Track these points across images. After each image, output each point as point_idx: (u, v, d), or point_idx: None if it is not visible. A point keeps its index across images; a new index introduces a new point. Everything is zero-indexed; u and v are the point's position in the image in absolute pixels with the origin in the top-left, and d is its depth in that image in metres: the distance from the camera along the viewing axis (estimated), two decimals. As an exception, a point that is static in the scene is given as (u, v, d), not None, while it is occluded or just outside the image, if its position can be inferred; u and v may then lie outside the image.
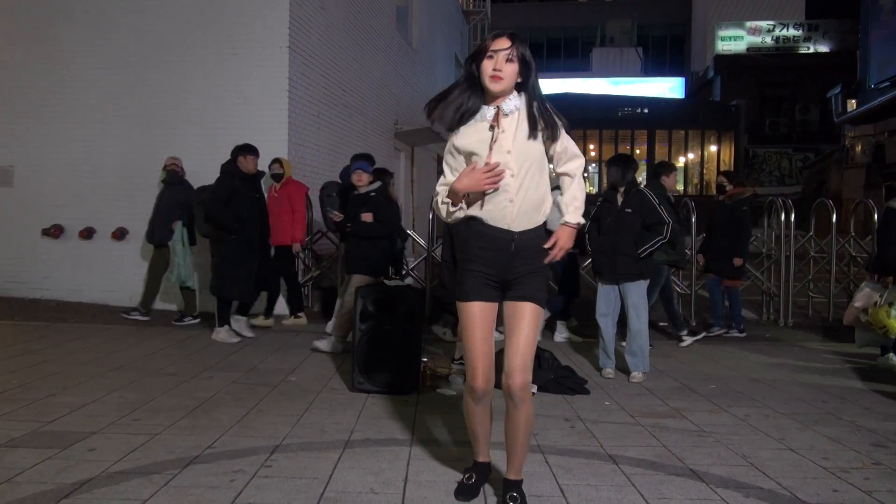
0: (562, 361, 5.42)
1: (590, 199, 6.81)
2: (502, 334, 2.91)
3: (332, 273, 8.63)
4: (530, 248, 2.79)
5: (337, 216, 6.34)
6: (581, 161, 2.90)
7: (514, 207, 2.74)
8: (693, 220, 8.38)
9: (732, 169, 27.83)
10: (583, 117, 27.05)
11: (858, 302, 5.99)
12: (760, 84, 29.49)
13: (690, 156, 28.53)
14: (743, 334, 7.42)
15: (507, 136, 2.73)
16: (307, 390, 4.92)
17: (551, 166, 2.90)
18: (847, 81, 22.81)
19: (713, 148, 28.28)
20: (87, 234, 8.55)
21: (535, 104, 2.78)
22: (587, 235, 5.69)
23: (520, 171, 2.72)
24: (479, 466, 3.06)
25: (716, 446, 3.85)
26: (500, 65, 2.69)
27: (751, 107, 28.21)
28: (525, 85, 2.79)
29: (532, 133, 2.75)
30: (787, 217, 8.36)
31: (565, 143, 2.86)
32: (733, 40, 30.81)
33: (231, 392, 4.83)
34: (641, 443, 3.90)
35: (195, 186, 7.58)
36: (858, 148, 21.66)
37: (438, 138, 13.82)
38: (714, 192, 8.69)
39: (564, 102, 27.68)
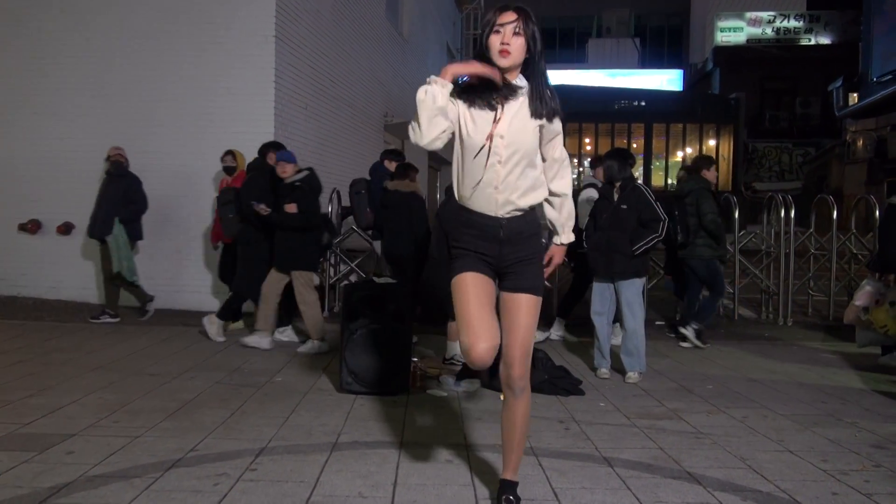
0: (556, 362, 5.44)
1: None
2: None
3: (321, 271, 8.61)
4: (521, 234, 2.78)
5: (264, 210, 6.26)
6: (570, 179, 2.95)
7: (500, 195, 2.73)
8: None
9: (732, 164, 27.96)
10: (579, 110, 27.09)
11: (859, 300, 6.03)
12: (760, 77, 29.60)
13: (688, 150, 28.61)
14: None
15: (504, 121, 2.70)
16: (293, 391, 4.91)
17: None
18: (849, 74, 22.92)
19: (712, 142, 28.37)
20: (66, 229, 8.50)
21: (537, 89, 2.75)
22: (584, 232, 5.71)
23: (509, 158, 2.70)
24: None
25: (713, 448, 3.87)
26: (508, 38, 2.67)
27: (750, 100, 28.32)
28: (528, 65, 2.76)
29: (529, 122, 2.73)
30: (787, 213, 8.39)
31: (558, 143, 2.86)
32: (733, 31, 30.89)
33: (214, 393, 4.82)
34: (637, 445, 3.91)
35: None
36: (860, 143, 21.77)
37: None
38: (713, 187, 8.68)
39: (560, 95, 27.55)
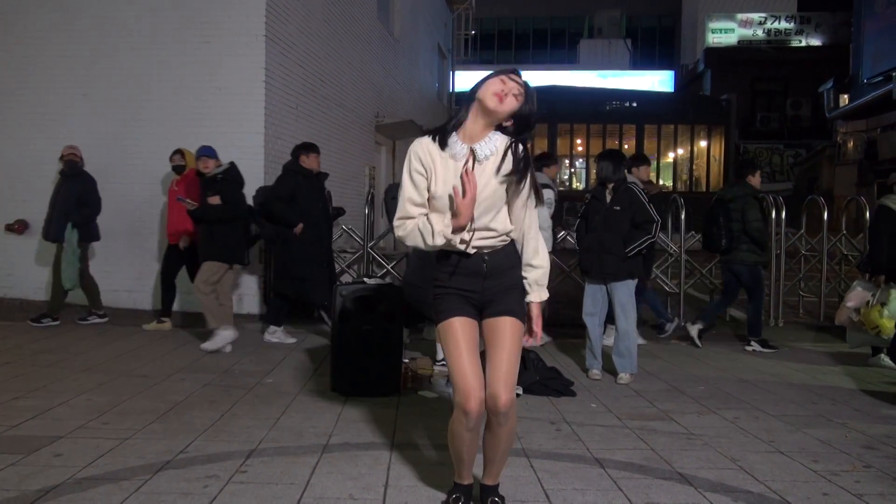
0: (547, 362, 5.45)
1: (577, 195, 6.84)
2: None
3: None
4: (501, 267, 2.79)
5: (190, 204, 6.31)
6: (546, 250, 2.91)
7: (473, 239, 2.73)
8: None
9: (723, 165, 28.06)
10: (570, 111, 27.18)
11: (850, 301, 6.07)
12: (752, 78, 29.73)
13: (680, 151, 28.72)
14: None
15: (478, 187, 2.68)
16: (284, 393, 4.91)
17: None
18: (839, 76, 23.06)
19: (703, 143, 28.48)
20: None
21: (519, 158, 2.71)
22: (576, 234, 5.73)
23: (478, 218, 2.69)
24: (465, 489, 2.94)
25: (704, 449, 3.89)
26: (508, 88, 2.67)
27: (742, 101, 28.45)
28: (517, 133, 2.74)
29: (502, 182, 2.70)
30: (778, 214, 8.43)
31: (532, 216, 2.83)
32: (724, 33, 31.04)
33: (204, 395, 4.81)
34: (629, 446, 3.93)
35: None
36: (850, 144, 21.91)
37: (420, 132, 13.80)
38: (703, 188, 8.75)
39: (551, 95, 27.74)
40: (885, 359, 6.23)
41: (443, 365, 5.50)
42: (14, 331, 7.00)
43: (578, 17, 39.58)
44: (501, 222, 2.76)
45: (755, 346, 6.84)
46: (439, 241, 2.69)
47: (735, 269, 6.87)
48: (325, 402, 4.70)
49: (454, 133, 2.74)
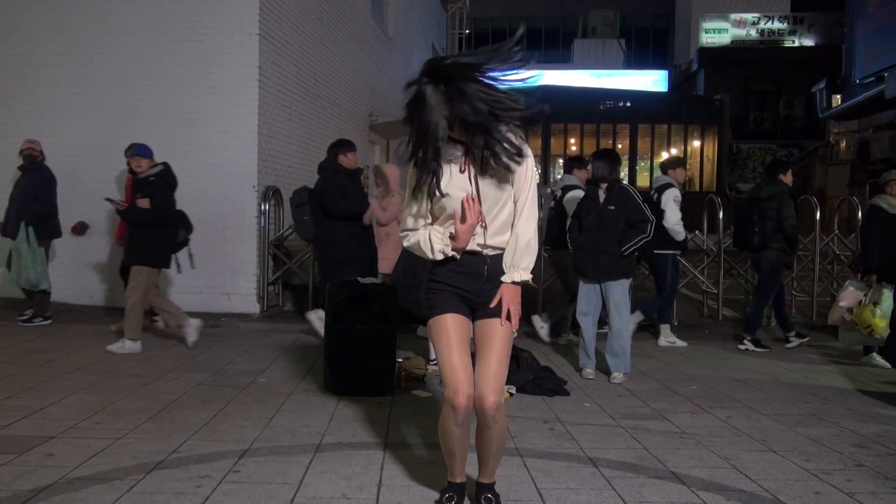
0: (541, 361, 5.46)
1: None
2: None
3: (304, 271, 8.60)
4: (501, 271, 2.79)
5: (121, 204, 6.18)
6: (535, 222, 2.83)
7: (484, 242, 2.74)
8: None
9: (716, 165, 28.12)
10: (563, 110, 27.12)
11: (843, 301, 6.09)
12: (745, 78, 29.79)
13: (673, 151, 28.74)
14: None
15: (478, 182, 2.68)
16: (277, 392, 4.90)
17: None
18: (832, 76, 23.12)
19: (696, 143, 28.50)
20: (81, 229, 8.39)
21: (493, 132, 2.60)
22: (568, 234, 5.73)
23: (489, 218, 2.70)
24: (457, 487, 2.95)
25: (697, 448, 3.90)
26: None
27: (735, 101, 28.49)
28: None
29: (496, 169, 2.67)
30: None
31: (527, 187, 2.77)
32: (717, 33, 31.09)
33: (197, 394, 4.80)
34: (622, 445, 3.93)
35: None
36: (843, 144, 21.97)
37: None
38: (697, 188, 8.77)
39: (544, 95, 27.63)
40: (878, 358, 6.26)
41: (436, 364, 5.50)
42: (4, 330, 6.97)
43: (572, 17, 39.59)
44: (507, 231, 2.77)
45: (748, 345, 6.86)
46: (439, 257, 2.73)
47: (758, 265, 6.93)
48: (319, 401, 4.69)
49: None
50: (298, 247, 9.01)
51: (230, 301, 8.14)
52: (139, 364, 5.66)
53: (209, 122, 8.15)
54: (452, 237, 2.71)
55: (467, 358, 2.76)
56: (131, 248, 6.16)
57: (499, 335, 2.77)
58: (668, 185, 6.82)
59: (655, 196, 6.85)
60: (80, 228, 8.29)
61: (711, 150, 28.29)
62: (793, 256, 7.11)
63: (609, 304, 5.44)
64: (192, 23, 8.24)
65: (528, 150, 2.74)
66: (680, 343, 6.96)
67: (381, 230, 7.37)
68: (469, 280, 2.78)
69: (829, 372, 6.03)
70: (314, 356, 5.96)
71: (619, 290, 5.42)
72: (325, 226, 6.55)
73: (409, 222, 2.81)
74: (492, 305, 2.76)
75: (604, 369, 5.60)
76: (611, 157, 5.57)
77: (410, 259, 5.33)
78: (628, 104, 28.89)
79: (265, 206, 8.27)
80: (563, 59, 38.56)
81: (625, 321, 5.44)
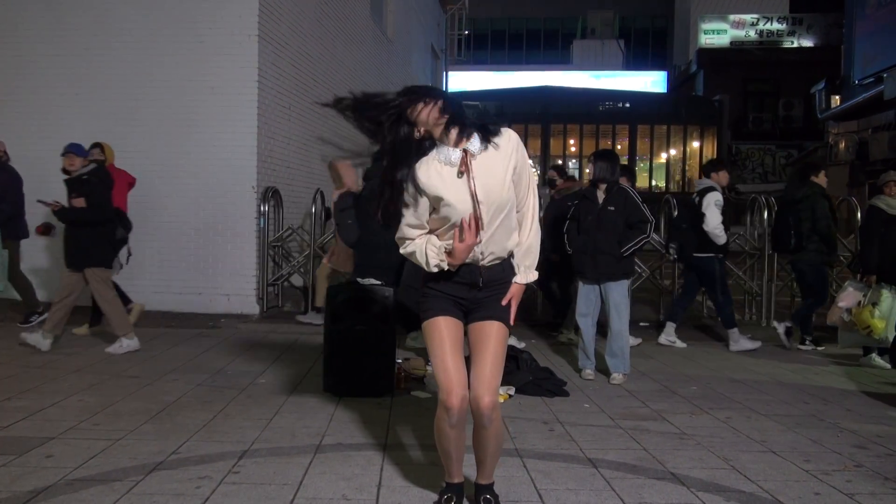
0: (540, 362, 5.46)
1: (571, 195, 6.82)
2: None
3: (305, 273, 8.60)
4: (498, 278, 2.81)
5: (55, 205, 6.10)
6: (538, 224, 2.90)
7: (483, 250, 2.73)
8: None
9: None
10: (563, 111, 27.20)
11: (842, 302, 6.09)
12: (744, 79, 29.80)
13: (672, 152, 28.77)
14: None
15: (478, 184, 2.67)
16: (277, 393, 4.90)
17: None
18: (831, 77, 23.12)
19: (696, 144, 28.54)
20: (45, 229, 8.36)
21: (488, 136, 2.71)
22: (566, 235, 5.69)
23: (491, 222, 2.70)
24: (455, 488, 2.95)
25: (697, 449, 3.90)
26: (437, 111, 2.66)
27: (734, 102, 28.53)
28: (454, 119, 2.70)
29: (502, 175, 2.69)
30: (770, 214, 8.46)
31: (531, 191, 2.83)
32: (716, 34, 31.11)
33: (196, 395, 4.80)
34: (621, 446, 3.94)
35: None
36: (842, 145, 21.99)
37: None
38: (692, 189, 8.78)
39: (544, 96, 27.79)
40: (877, 359, 6.27)
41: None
42: (3, 331, 6.96)
43: (572, 18, 39.59)
44: (510, 236, 2.78)
45: (808, 346, 6.96)
46: (434, 270, 2.74)
47: (800, 268, 6.96)
48: (318, 402, 4.69)
49: (439, 144, 2.73)
50: (296, 248, 9.02)
51: (230, 302, 8.14)
52: (138, 365, 5.65)
53: (208, 122, 8.15)
54: (448, 252, 2.71)
55: (460, 360, 2.78)
56: (75, 252, 6.01)
57: (493, 336, 2.78)
58: (711, 189, 6.77)
59: (697, 199, 6.82)
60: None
61: (710, 150, 28.30)
62: (834, 255, 7.14)
63: (609, 304, 5.44)
64: (191, 24, 8.24)
65: (522, 150, 2.78)
66: (680, 344, 6.96)
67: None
68: (464, 289, 2.79)
69: (829, 373, 6.03)
70: (314, 357, 5.96)
71: (619, 291, 5.42)
72: (368, 231, 6.54)
73: (406, 231, 2.80)
74: (503, 303, 2.81)
75: (603, 370, 5.60)
76: (612, 158, 5.57)
77: (412, 265, 5.33)
78: (627, 105, 28.93)
79: (264, 206, 8.26)
80: (562, 59, 38.59)
81: (624, 322, 5.44)
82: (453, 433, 2.79)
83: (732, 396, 5.11)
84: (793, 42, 30.76)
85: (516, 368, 5.07)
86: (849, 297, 6.07)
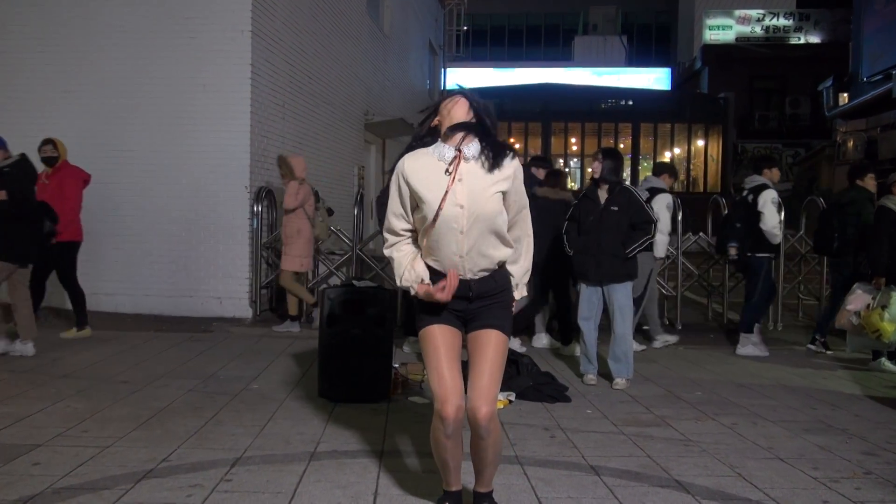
0: (541, 367, 5.45)
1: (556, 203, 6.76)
2: None
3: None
4: (490, 290, 2.82)
5: None
6: (531, 256, 2.96)
7: (465, 263, 2.75)
8: None
9: (720, 165, 28.17)
10: (564, 109, 27.21)
11: (851, 304, 6.09)
12: (749, 76, 29.83)
13: (677, 150, 28.79)
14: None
15: (462, 188, 2.70)
16: (270, 399, 4.89)
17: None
18: (839, 74, 23.15)
19: (700, 142, 28.56)
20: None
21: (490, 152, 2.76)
22: (565, 236, 5.63)
23: (470, 229, 2.70)
24: (453, 496, 2.95)
25: (702, 456, 3.90)
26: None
27: (739, 99, 28.53)
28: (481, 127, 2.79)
29: (488, 185, 2.72)
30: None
31: (525, 217, 2.89)
32: (721, 30, 31.15)
33: (188, 401, 4.79)
34: (625, 453, 3.93)
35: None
36: (850, 144, 22.01)
37: (411, 130, 13.80)
38: (700, 188, 8.76)
39: (544, 93, 27.78)
40: (886, 363, 6.27)
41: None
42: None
43: (573, 14, 39.62)
44: (496, 249, 2.78)
45: (817, 347, 7.00)
46: (402, 286, 2.83)
47: (840, 270, 6.97)
48: (313, 408, 4.68)
49: (440, 141, 2.79)
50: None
51: (222, 305, 8.14)
52: (128, 370, 5.64)
53: (200, 121, 8.15)
54: (424, 282, 2.76)
55: (457, 369, 2.78)
56: None
57: (492, 345, 2.79)
58: (764, 186, 6.77)
59: (751, 197, 6.80)
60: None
61: (715, 149, 28.33)
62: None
63: (613, 307, 5.42)
64: (182, 20, 8.24)
65: (517, 163, 2.82)
66: (763, 352, 6.88)
67: (293, 226, 7.33)
68: (456, 301, 2.80)
69: (837, 377, 6.03)
70: (308, 362, 5.95)
71: (624, 293, 5.42)
72: None
73: (392, 222, 2.84)
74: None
75: (605, 375, 5.59)
76: (618, 158, 5.58)
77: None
78: (630, 103, 28.96)
79: (258, 207, 8.26)
80: (563, 56, 38.61)
81: (628, 325, 5.43)
82: (449, 443, 2.79)
83: (738, 402, 5.10)
84: (800, 38, 30.79)
85: (516, 373, 5.07)
86: (858, 299, 6.07)
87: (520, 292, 2.94)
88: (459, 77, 26.59)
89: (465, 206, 2.68)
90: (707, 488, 3.42)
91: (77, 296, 6.99)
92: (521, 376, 5.06)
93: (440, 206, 2.67)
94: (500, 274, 2.84)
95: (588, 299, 5.53)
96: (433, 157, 2.76)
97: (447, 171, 2.71)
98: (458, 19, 23.48)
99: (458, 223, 2.69)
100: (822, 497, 3.34)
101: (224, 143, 8.08)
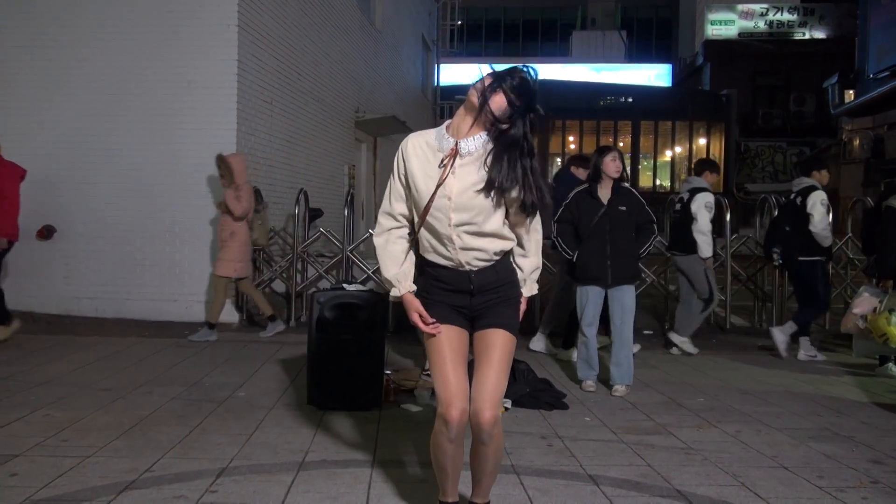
0: (538, 373, 5.45)
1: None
2: None
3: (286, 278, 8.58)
4: (492, 283, 2.80)
5: None
6: (540, 235, 2.93)
7: (460, 255, 2.74)
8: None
9: (723, 164, 28.23)
10: (562, 106, 27.19)
11: (857, 308, 6.10)
12: (753, 72, 29.92)
13: (678, 149, 28.87)
14: None
15: (453, 183, 2.69)
16: (257, 406, 4.88)
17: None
18: (844, 70, 23.24)
19: (702, 141, 28.62)
20: (46, 233, 8.35)
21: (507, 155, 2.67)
22: (559, 238, 5.59)
23: (459, 222, 2.70)
24: None
25: (704, 465, 3.91)
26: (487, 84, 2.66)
27: (742, 97, 28.61)
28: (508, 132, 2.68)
29: (483, 189, 2.67)
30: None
31: (536, 225, 2.87)
32: (724, 24, 31.24)
33: (172, 409, 4.78)
34: (624, 462, 3.94)
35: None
36: (856, 142, 22.11)
37: (403, 128, 13.81)
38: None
39: (541, 90, 27.70)
40: (893, 368, 6.29)
41: (429, 375, 5.49)
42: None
43: (571, 8, 39.73)
44: (491, 242, 2.76)
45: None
46: (383, 276, 2.85)
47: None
48: (302, 416, 4.68)
49: (445, 128, 2.79)
50: (279, 252, 9.00)
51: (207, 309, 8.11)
52: (109, 377, 5.63)
53: (185, 118, 8.13)
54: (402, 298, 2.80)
55: (462, 370, 2.77)
56: None
57: (499, 346, 2.77)
58: (813, 188, 6.77)
59: (799, 199, 6.79)
60: (46, 232, 8.25)
61: (718, 148, 28.40)
62: None
63: (620, 310, 5.39)
64: (167, 14, 8.23)
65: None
66: (820, 356, 6.90)
67: (226, 229, 7.29)
68: (456, 296, 2.80)
69: (843, 383, 6.05)
70: (297, 368, 5.94)
71: (631, 295, 5.42)
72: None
73: (393, 204, 2.84)
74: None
75: (604, 381, 5.60)
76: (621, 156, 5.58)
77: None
78: (630, 100, 28.99)
79: (245, 208, 8.23)
80: (560, 52, 38.72)
81: (630, 328, 5.44)
82: (451, 448, 2.78)
83: (741, 409, 5.11)
84: (804, 33, 30.89)
85: (513, 380, 5.05)
86: (864, 303, 6.08)
87: (528, 289, 2.92)
88: (454, 73, 26.64)
89: (452, 199, 2.68)
90: (709, 498, 3.43)
91: None
92: (517, 382, 5.06)
93: (431, 198, 2.69)
94: (501, 265, 2.82)
95: (594, 303, 5.46)
96: (434, 144, 2.75)
97: (442, 162, 2.71)
98: (452, 13, 23.48)
99: (447, 215, 2.69)
100: (827, 507, 3.35)
101: (209, 141, 8.06)
